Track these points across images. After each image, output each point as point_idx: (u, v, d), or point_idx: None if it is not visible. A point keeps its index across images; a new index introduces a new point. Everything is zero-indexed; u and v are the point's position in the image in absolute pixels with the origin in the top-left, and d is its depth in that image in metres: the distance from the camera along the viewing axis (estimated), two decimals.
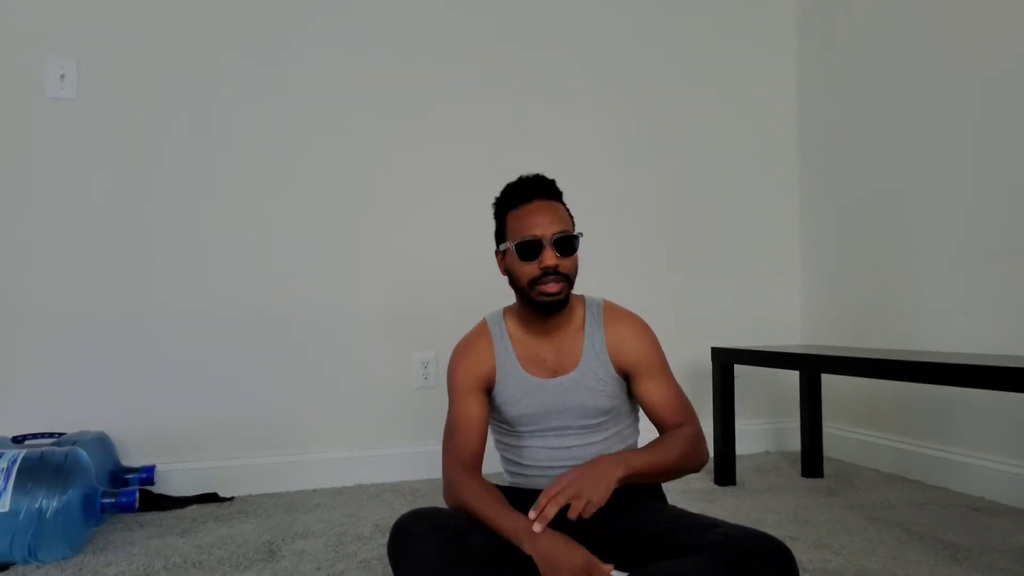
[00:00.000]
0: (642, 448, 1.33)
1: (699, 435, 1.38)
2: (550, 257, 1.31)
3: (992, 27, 2.10)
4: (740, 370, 2.76)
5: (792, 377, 2.85)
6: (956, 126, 2.22)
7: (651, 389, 1.41)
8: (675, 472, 1.34)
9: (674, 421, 1.39)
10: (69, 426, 2.17)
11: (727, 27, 2.91)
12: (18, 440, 2.04)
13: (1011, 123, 2.05)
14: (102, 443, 2.06)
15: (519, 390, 1.39)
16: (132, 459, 2.23)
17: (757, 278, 2.90)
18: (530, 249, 1.32)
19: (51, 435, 2.08)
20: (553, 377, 1.39)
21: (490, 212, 2.56)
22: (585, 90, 2.72)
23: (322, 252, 2.43)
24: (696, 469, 1.37)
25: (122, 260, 2.26)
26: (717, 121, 2.88)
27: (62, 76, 2.21)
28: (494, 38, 2.63)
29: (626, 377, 1.43)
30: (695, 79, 2.86)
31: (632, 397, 1.47)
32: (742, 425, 2.76)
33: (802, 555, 1.61)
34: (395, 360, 2.49)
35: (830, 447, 2.72)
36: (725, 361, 2.35)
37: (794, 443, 2.88)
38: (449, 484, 1.33)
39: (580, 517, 1.20)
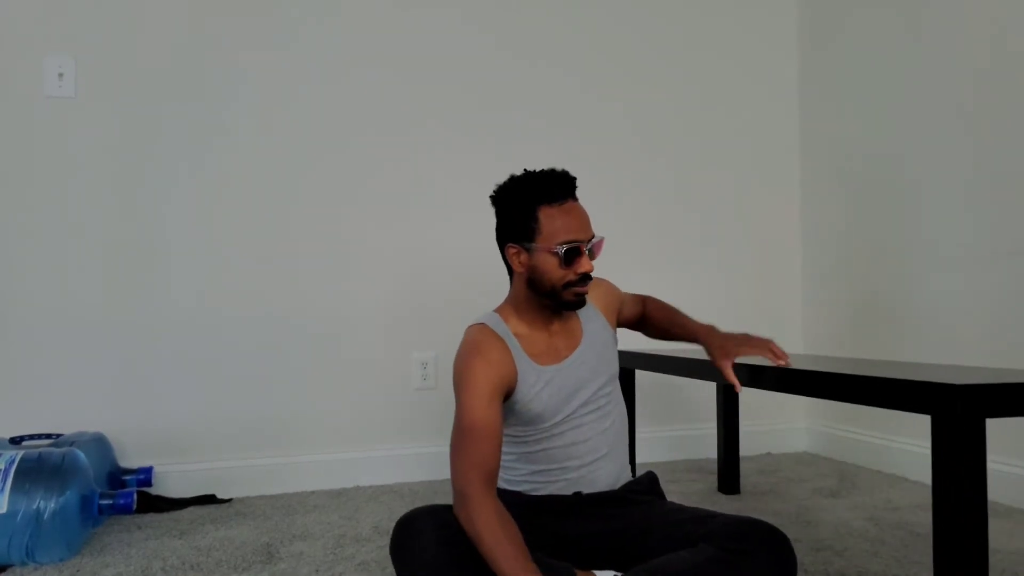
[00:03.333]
0: (703, 324, 1.50)
1: None
2: (587, 264, 1.33)
3: (995, 20, 2.09)
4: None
5: None
6: (961, 124, 2.21)
7: (628, 301, 1.60)
8: None
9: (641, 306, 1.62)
10: (67, 427, 2.16)
11: (728, 28, 2.90)
12: (16, 441, 2.04)
13: (1015, 119, 2.04)
14: (100, 444, 2.05)
15: (537, 383, 1.36)
16: (130, 460, 2.22)
17: (758, 279, 2.89)
18: (573, 255, 1.32)
19: (49, 436, 2.07)
20: (565, 360, 1.39)
21: (489, 214, 2.57)
22: (585, 89, 2.72)
23: (321, 253, 2.42)
24: None
25: (121, 260, 2.25)
26: (717, 123, 2.87)
27: (60, 74, 2.20)
28: (494, 45, 2.62)
29: (618, 320, 1.58)
30: (694, 79, 2.85)
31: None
32: (743, 427, 2.76)
33: (805, 557, 1.60)
34: (394, 361, 2.48)
35: (832, 448, 2.71)
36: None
37: (796, 445, 2.87)
38: (465, 499, 1.19)
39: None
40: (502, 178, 1.40)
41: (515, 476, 1.41)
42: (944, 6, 2.26)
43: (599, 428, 1.39)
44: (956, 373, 1.23)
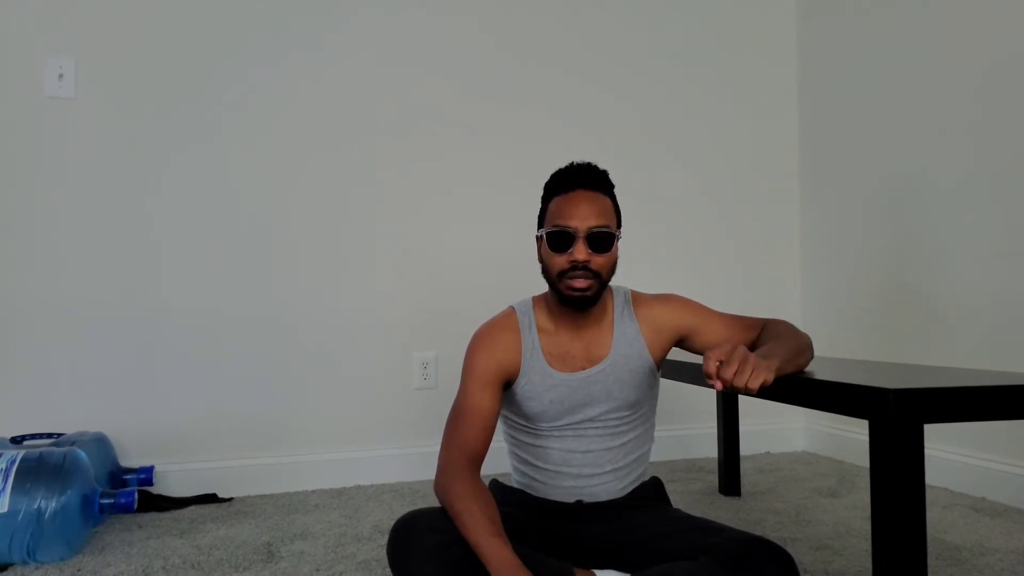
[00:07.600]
0: (768, 345, 1.23)
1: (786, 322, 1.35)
2: (581, 251, 1.26)
3: (994, 18, 2.09)
4: None
5: None
6: (959, 119, 2.21)
7: (714, 330, 1.37)
8: (805, 356, 1.26)
9: (755, 332, 1.35)
10: (68, 426, 2.16)
11: (727, 28, 2.90)
12: (17, 440, 2.04)
13: (1016, 115, 2.04)
14: (101, 443, 2.05)
15: (542, 385, 1.34)
16: (131, 459, 2.22)
17: (757, 278, 2.90)
18: (561, 240, 1.27)
19: (50, 435, 2.08)
20: (580, 371, 1.35)
21: (488, 213, 2.59)
22: (586, 90, 2.72)
23: (322, 253, 2.43)
24: (811, 350, 1.30)
25: (122, 260, 2.25)
26: (717, 121, 2.87)
27: (60, 75, 2.20)
28: (496, 46, 2.62)
29: (682, 345, 1.41)
30: (692, 78, 2.86)
31: (654, 402, 1.45)
32: (743, 426, 2.76)
33: (803, 556, 1.61)
34: (395, 360, 2.48)
35: (831, 447, 2.72)
36: None
37: (795, 444, 2.87)
38: (443, 471, 1.25)
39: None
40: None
41: (518, 464, 1.43)
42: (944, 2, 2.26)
43: (605, 444, 1.36)
44: (922, 376, 1.19)
